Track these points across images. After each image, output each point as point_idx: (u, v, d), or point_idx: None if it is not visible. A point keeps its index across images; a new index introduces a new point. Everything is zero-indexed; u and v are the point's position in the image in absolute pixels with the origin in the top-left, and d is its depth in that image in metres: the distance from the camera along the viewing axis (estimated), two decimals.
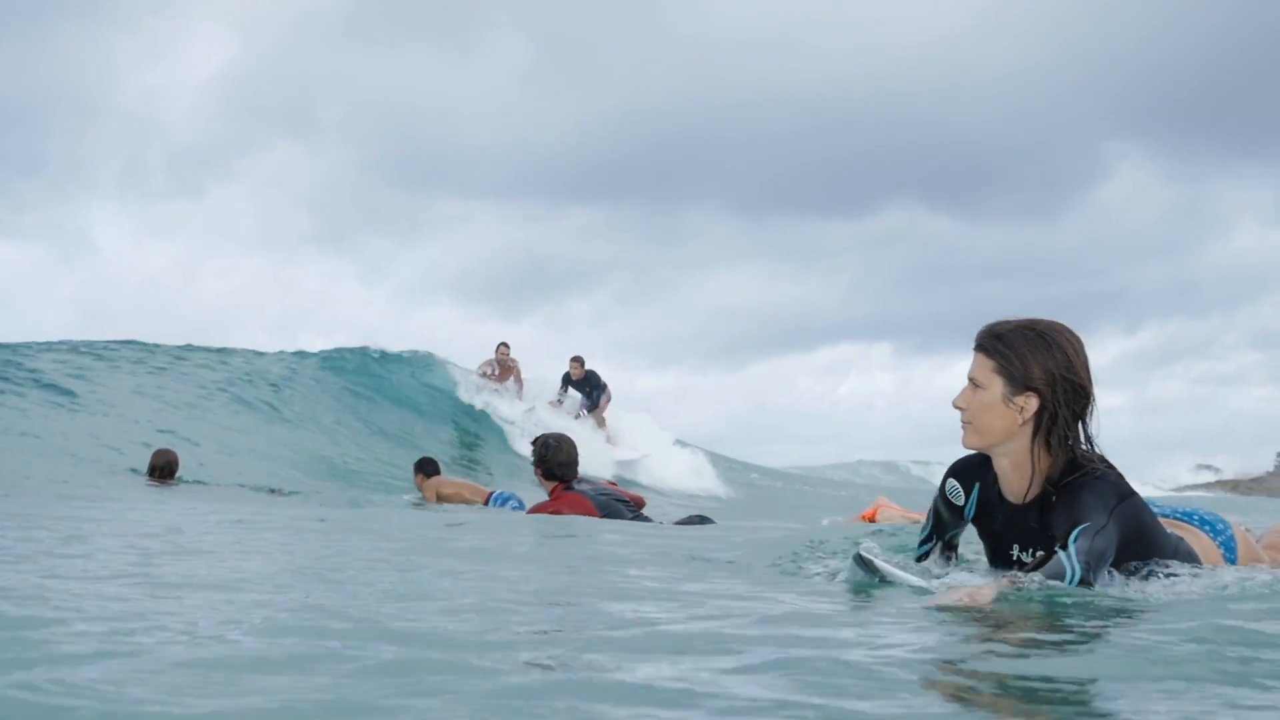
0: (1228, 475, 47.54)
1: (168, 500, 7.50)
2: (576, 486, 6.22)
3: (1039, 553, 2.82)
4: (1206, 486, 43.43)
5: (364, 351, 18.12)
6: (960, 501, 3.02)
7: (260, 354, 17.36)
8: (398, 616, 2.15)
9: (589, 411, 17.68)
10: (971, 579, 2.81)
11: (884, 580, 2.80)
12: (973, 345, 2.83)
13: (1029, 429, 2.76)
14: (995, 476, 2.92)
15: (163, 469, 9.70)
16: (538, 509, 6.28)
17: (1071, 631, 2.19)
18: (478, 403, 17.77)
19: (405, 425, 16.42)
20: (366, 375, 17.52)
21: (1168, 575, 2.79)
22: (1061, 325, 2.79)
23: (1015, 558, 2.90)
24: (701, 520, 6.45)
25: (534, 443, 6.45)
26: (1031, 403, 2.74)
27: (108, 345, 16.00)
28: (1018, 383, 2.73)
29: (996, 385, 2.75)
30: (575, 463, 6.28)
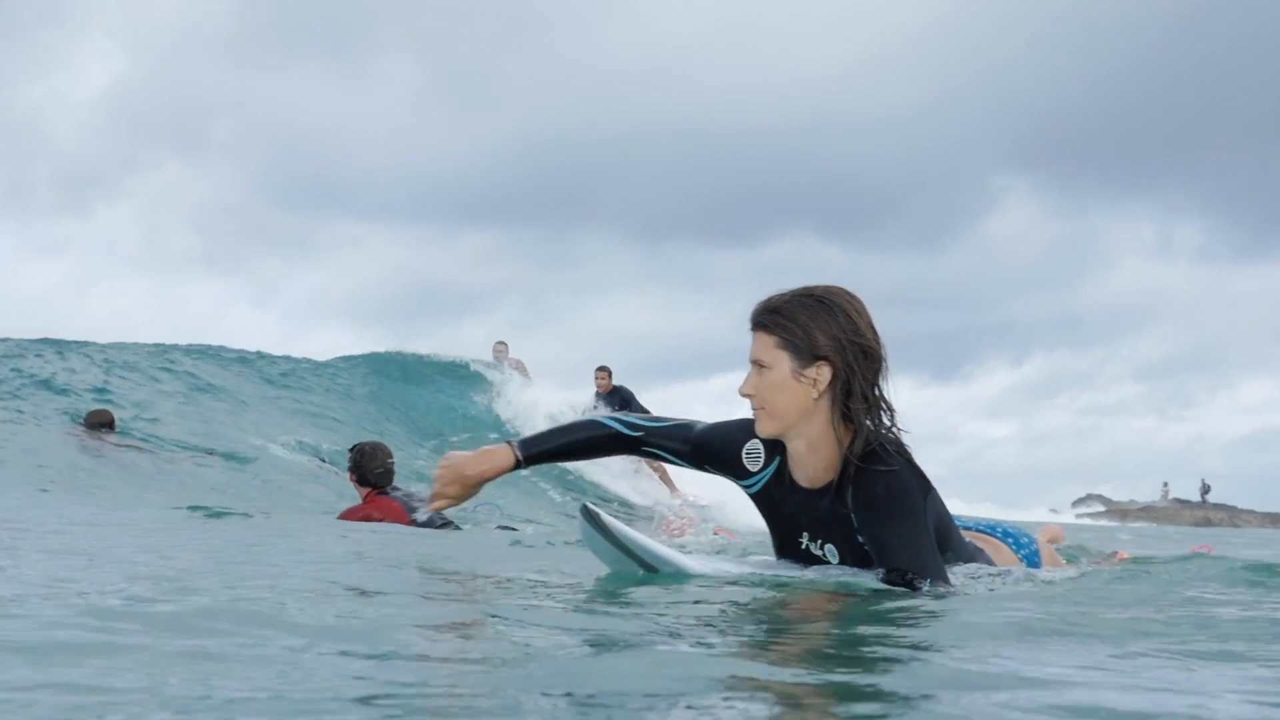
0: (1116, 503, 49.04)
1: None
2: (390, 493, 6.33)
3: (828, 546, 2.70)
4: (1094, 515, 44.66)
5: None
6: (755, 468, 2.79)
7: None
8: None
9: None
10: (766, 571, 2.70)
11: (618, 544, 2.60)
12: (749, 326, 2.65)
13: (826, 402, 2.58)
14: (783, 459, 2.75)
15: (102, 420, 10.46)
16: (349, 513, 6.37)
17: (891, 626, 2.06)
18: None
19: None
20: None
21: (987, 576, 2.73)
22: (839, 288, 2.63)
23: (804, 548, 2.75)
24: (506, 529, 6.59)
25: (351, 449, 6.58)
26: (824, 373, 2.56)
27: None
28: (805, 354, 2.56)
29: (783, 362, 2.57)
30: (390, 471, 6.41)
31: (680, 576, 2.62)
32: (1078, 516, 41.66)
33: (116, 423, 10.61)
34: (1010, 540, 3.13)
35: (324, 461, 11.33)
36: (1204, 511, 48.79)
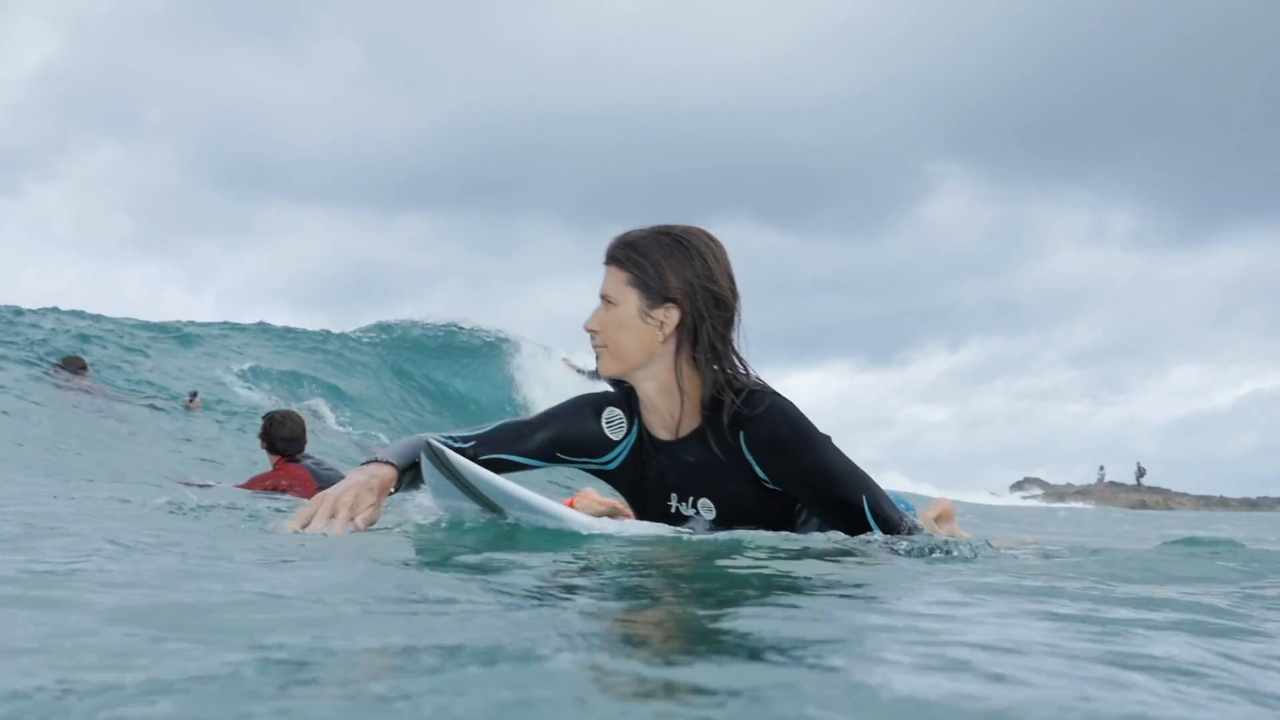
0: (1053, 486, 49.92)
1: None
2: (301, 461, 6.23)
3: (702, 501, 2.54)
4: (1033, 497, 45.38)
5: None
6: (618, 436, 2.64)
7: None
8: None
9: None
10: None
11: (465, 486, 2.37)
12: (603, 260, 2.53)
13: (671, 345, 2.46)
14: (637, 406, 2.62)
15: (78, 365, 11.50)
16: (256, 480, 6.27)
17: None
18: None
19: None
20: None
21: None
22: (700, 230, 2.51)
23: (673, 510, 2.58)
24: None
25: (264, 416, 6.52)
26: (672, 315, 2.44)
27: None
28: (655, 294, 2.44)
29: (632, 299, 2.46)
30: (300, 439, 6.33)
31: (557, 534, 2.38)
32: (1023, 499, 42.34)
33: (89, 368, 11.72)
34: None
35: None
36: (1139, 494, 49.78)
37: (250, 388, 13.94)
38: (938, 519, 3.40)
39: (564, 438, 2.64)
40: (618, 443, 2.64)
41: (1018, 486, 49.09)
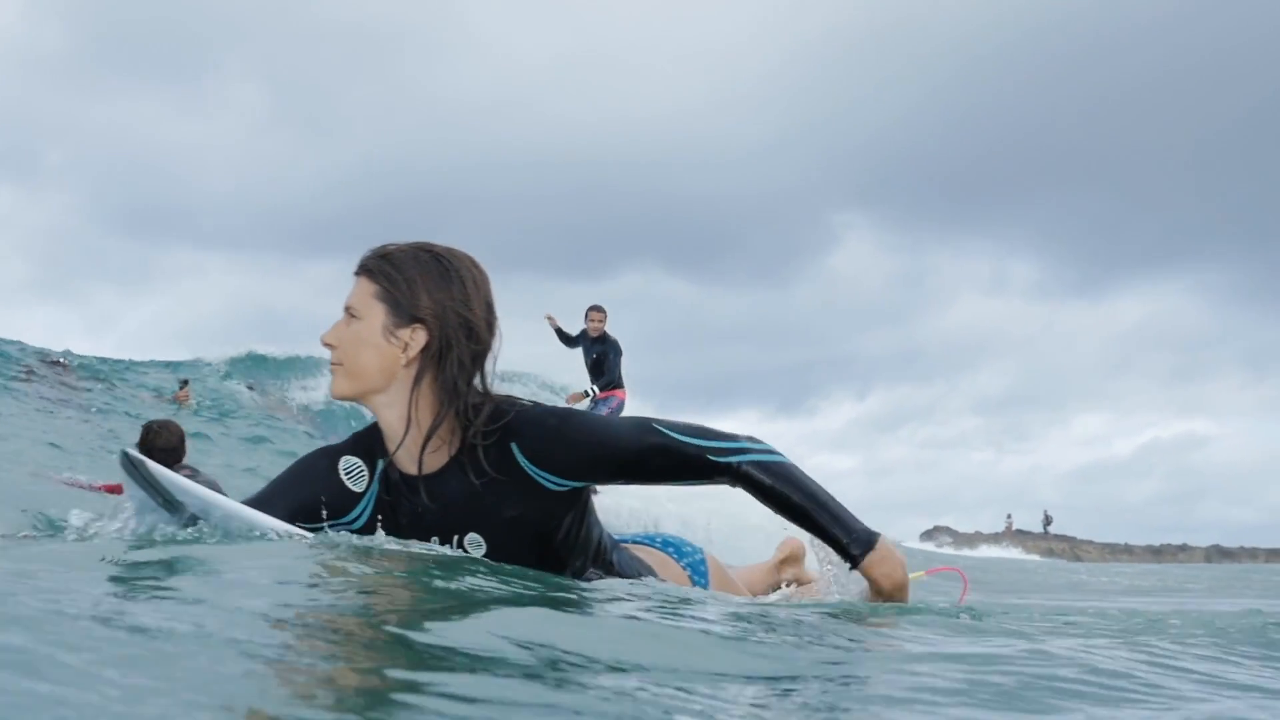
0: (962, 534, 50.66)
1: None
2: (176, 470, 6.19)
3: (470, 536, 2.29)
4: (945, 545, 45.98)
5: None
6: (360, 487, 2.33)
7: None
8: None
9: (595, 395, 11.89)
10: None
11: (166, 501, 2.22)
12: (353, 270, 2.33)
13: (413, 371, 2.25)
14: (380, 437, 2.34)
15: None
16: (117, 486, 6.25)
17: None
18: None
19: None
20: None
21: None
22: (466, 255, 2.33)
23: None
24: None
25: (143, 426, 6.55)
26: (418, 337, 2.23)
27: None
28: (403, 312, 2.23)
29: (378, 314, 2.24)
30: (178, 449, 6.34)
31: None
32: (936, 547, 42.85)
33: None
34: (671, 549, 2.77)
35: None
36: (1046, 542, 50.69)
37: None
38: (784, 562, 3.24)
39: (299, 506, 2.30)
40: (361, 494, 2.33)
41: (927, 535, 49.69)
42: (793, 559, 3.22)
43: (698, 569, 2.75)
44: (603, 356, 11.90)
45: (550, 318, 11.98)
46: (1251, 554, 51.29)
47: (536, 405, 2.31)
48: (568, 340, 12.09)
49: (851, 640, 1.90)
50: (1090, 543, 53.51)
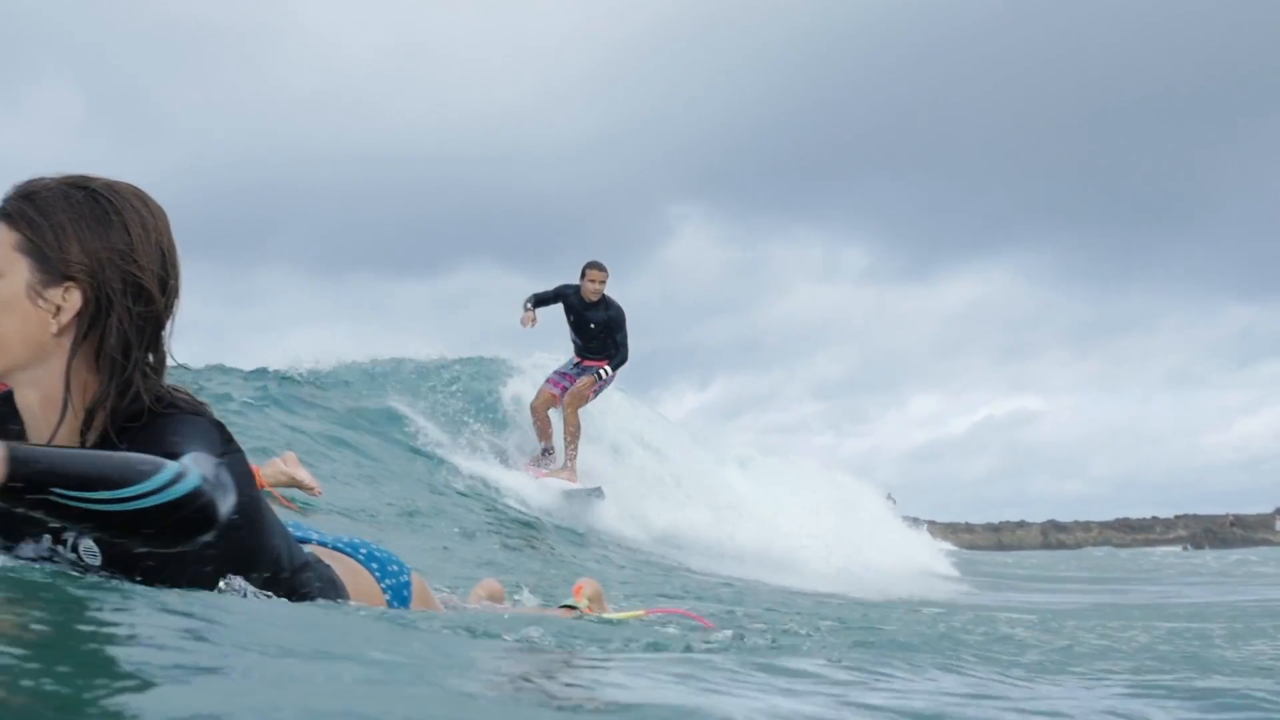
0: None
1: None
2: None
3: (84, 543, 1.83)
4: None
5: None
6: None
7: None
8: None
9: (576, 377, 9.62)
10: None
11: None
12: None
13: (68, 341, 1.82)
14: (20, 427, 1.89)
15: None
16: None
17: None
18: None
19: None
20: None
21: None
22: (132, 189, 1.90)
23: (49, 553, 1.86)
24: None
25: None
26: (72, 299, 1.81)
27: None
28: (53, 269, 1.80)
29: (21, 271, 1.80)
30: None
31: None
32: None
33: None
34: (374, 565, 2.53)
35: None
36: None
37: None
38: (488, 596, 3.10)
39: None
40: None
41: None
42: (494, 598, 3.05)
43: (399, 593, 2.53)
44: (605, 326, 9.39)
45: (526, 317, 9.48)
46: (1085, 527, 53.57)
47: (188, 411, 1.84)
48: (543, 301, 9.55)
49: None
50: (933, 522, 54.92)
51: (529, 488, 9.36)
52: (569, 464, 9.47)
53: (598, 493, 9.34)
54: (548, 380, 9.76)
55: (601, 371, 9.45)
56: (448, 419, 10.30)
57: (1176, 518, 52.23)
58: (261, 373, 10.10)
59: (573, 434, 9.50)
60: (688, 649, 2.18)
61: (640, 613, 3.66)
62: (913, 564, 11.52)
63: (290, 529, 2.28)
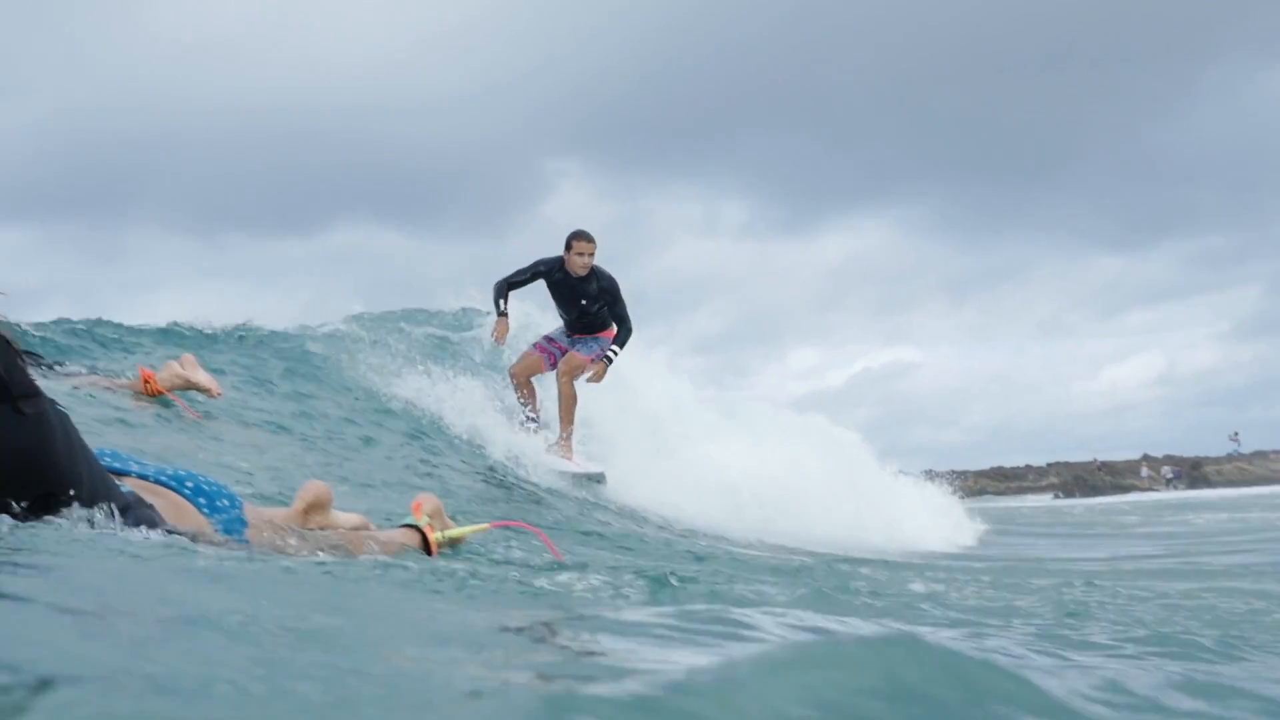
0: None
1: None
2: None
3: None
4: None
5: None
6: None
7: None
8: None
9: (569, 348, 8.52)
10: None
11: None
12: None
13: None
14: None
15: None
16: None
17: None
18: None
19: None
20: None
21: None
22: None
23: None
24: None
25: None
26: None
27: None
28: None
29: None
30: None
31: None
32: None
33: None
34: (202, 500, 2.46)
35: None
36: None
37: None
38: (308, 510, 2.94)
39: None
40: None
41: None
42: (318, 505, 2.89)
43: (231, 527, 2.46)
44: (598, 300, 8.29)
45: (498, 328, 8.33)
46: (961, 476, 55.57)
47: None
48: (518, 286, 8.39)
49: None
50: None
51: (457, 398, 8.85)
52: (564, 440, 8.40)
53: (599, 478, 8.42)
54: (534, 345, 8.70)
55: (609, 353, 8.39)
56: (389, 357, 9.75)
57: (1049, 465, 54.02)
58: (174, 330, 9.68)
59: (568, 407, 8.39)
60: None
61: (483, 526, 3.65)
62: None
63: (106, 459, 2.27)
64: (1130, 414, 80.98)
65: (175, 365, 6.47)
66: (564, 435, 8.41)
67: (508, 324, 8.29)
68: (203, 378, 6.44)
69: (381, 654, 1.35)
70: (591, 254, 8.17)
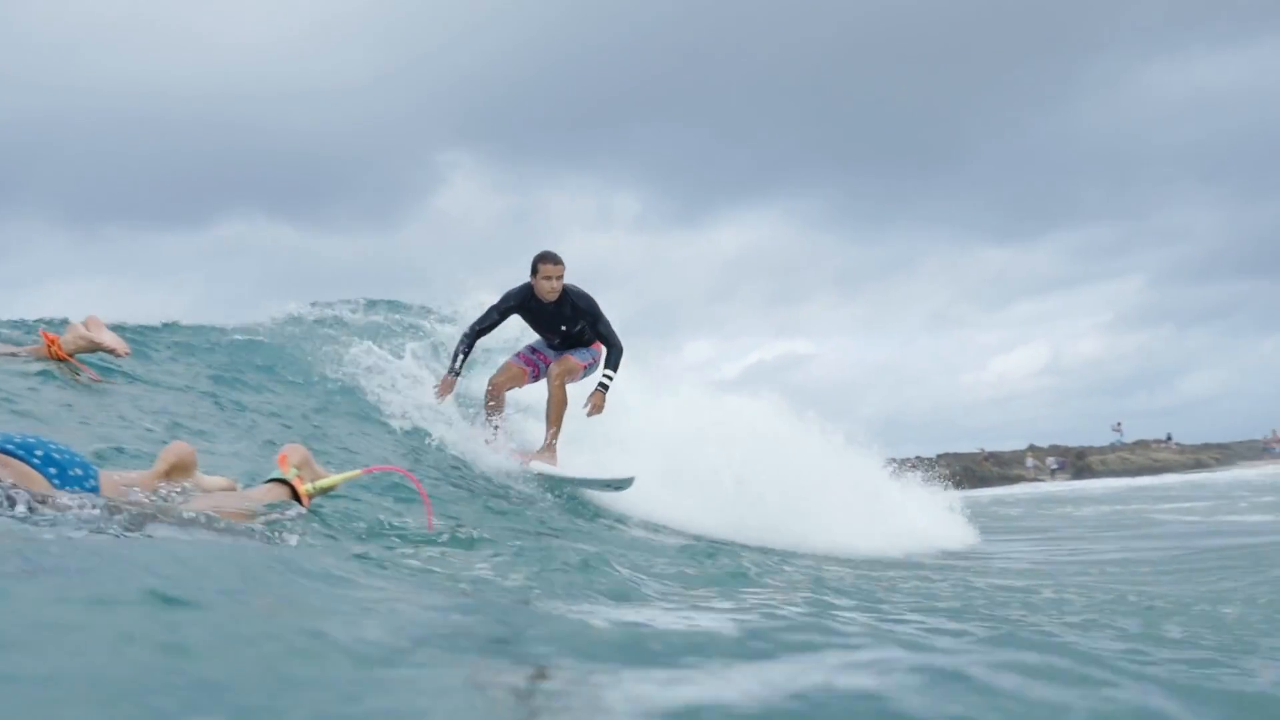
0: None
1: None
2: None
3: None
4: None
5: None
6: None
7: None
8: None
9: (553, 358, 7.97)
10: None
11: None
12: None
13: None
14: None
15: None
16: None
17: None
18: None
19: None
20: None
21: None
22: None
23: None
24: None
25: None
26: None
27: None
28: None
29: None
30: None
31: None
32: None
33: None
34: (53, 470, 2.40)
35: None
36: None
37: None
38: (170, 471, 2.86)
39: None
40: None
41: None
42: (180, 466, 2.82)
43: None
44: (576, 321, 7.77)
45: (440, 389, 7.85)
46: None
47: None
48: (486, 331, 7.85)
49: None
50: None
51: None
52: (550, 443, 7.80)
53: (626, 483, 7.56)
54: (517, 355, 8.17)
55: (605, 380, 7.74)
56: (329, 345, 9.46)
57: (939, 456, 55.51)
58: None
59: (558, 410, 7.77)
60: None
61: (355, 473, 3.66)
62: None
63: None
64: (1017, 404, 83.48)
65: (79, 327, 6.22)
66: (550, 438, 7.80)
67: (454, 383, 7.79)
68: (108, 338, 6.19)
69: None
70: (560, 276, 7.52)
